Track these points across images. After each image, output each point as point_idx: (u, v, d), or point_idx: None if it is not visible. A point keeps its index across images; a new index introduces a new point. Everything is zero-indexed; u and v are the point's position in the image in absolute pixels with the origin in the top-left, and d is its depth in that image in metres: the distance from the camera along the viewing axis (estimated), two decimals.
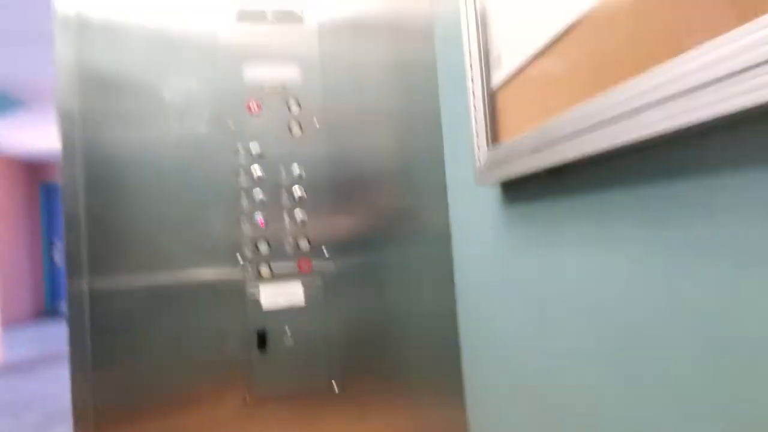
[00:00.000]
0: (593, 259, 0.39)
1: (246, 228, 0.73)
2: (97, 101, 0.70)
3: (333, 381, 0.75)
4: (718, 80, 0.21)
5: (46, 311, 6.05)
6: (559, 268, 0.45)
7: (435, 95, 0.81)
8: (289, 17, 0.76)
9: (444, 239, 0.80)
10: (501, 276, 0.59)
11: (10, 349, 4.05)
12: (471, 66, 0.52)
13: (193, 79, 0.73)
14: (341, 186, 0.77)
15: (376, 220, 0.78)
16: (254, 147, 0.74)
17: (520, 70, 0.44)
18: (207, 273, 0.72)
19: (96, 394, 0.67)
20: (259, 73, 0.75)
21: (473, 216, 0.68)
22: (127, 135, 0.70)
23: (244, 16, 0.75)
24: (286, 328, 0.74)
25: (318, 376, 0.74)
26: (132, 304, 0.69)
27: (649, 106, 0.26)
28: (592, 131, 0.31)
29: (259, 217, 0.74)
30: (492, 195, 0.60)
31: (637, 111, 0.27)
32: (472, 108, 0.53)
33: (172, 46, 0.72)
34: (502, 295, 0.59)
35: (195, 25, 0.73)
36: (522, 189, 0.51)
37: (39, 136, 4.08)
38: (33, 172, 5.91)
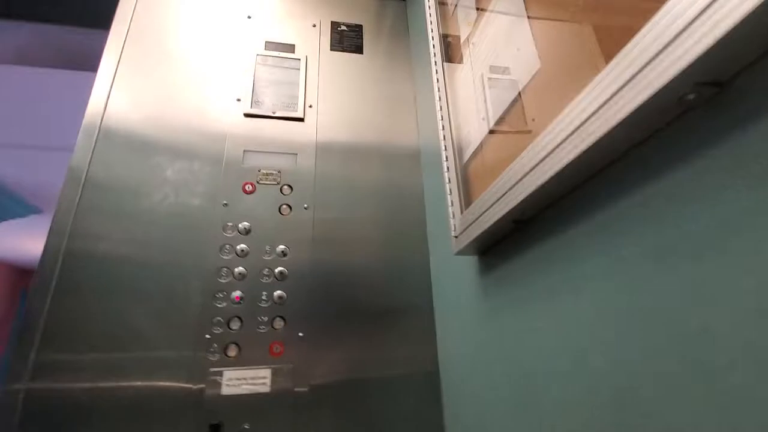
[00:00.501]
0: (564, 307, 0.37)
1: (221, 303, 0.70)
2: (97, 182, 0.74)
3: None
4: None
5: None
6: (533, 330, 0.42)
7: (418, 192, 0.88)
8: (291, 117, 0.87)
9: (427, 331, 0.76)
10: (484, 358, 0.55)
11: None
12: (446, 147, 0.59)
13: (196, 162, 0.79)
14: (324, 269, 0.77)
15: (359, 308, 0.76)
16: (243, 224, 0.76)
17: (485, 141, 0.50)
18: (170, 352, 0.66)
19: None
20: (259, 159, 0.82)
21: (454, 297, 0.67)
22: (122, 208, 0.73)
23: (252, 114, 0.86)
24: (245, 425, 0.64)
25: None
26: (77, 391, 0.62)
27: (560, 145, 0.30)
28: (531, 172, 0.34)
29: (236, 292, 0.71)
30: (468, 268, 0.60)
31: (553, 150, 0.31)
32: (447, 180, 0.57)
33: (182, 136, 0.81)
34: (489, 382, 0.54)
35: (207, 120, 0.83)
36: (495, 253, 0.51)
37: (41, 243, 4.14)
38: (19, 276, 5.79)
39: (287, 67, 0.92)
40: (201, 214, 0.75)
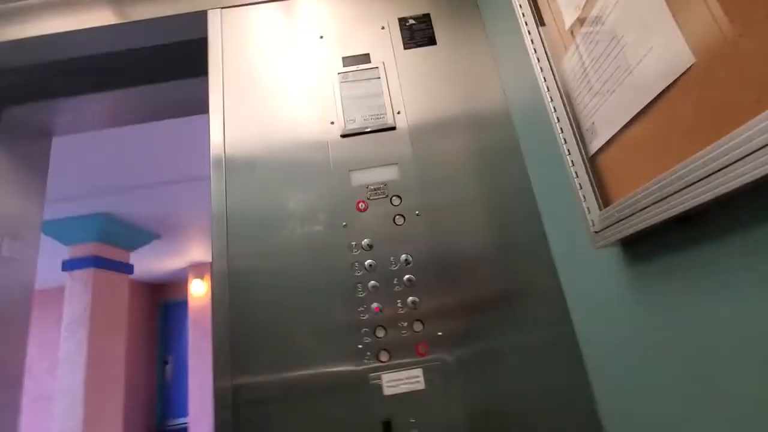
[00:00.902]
0: (753, 304, 0.36)
1: (363, 316, 0.78)
2: (237, 221, 0.85)
3: None
4: None
5: (157, 430, 6.34)
6: (713, 322, 0.41)
7: (521, 173, 0.86)
8: (383, 128, 0.90)
9: (560, 312, 0.77)
10: (638, 343, 0.55)
11: None
12: (566, 140, 0.57)
13: (311, 191, 0.86)
14: (447, 269, 0.81)
15: (486, 298, 0.79)
16: (365, 241, 0.82)
17: (620, 134, 0.48)
18: (332, 364, 0.75)
19: None
20: (364, 177, 0.87)
21: (591, 283, 0.66)
22: (261, 243, 0.83)
23: (347, 134, 0.90)
24: (411, 420, 0.72)
25: None
26: (267, 398, 0.74)
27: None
28: (729, 169, 0.32)
29: (374, 304, 0.78)
30: (609, 258, 0.59)
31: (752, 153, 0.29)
32: (574, 175, 0.56)
33: (294, 168, 0.88)
34: (645, 366, 0.54)
35: (310, 149, 0.89)
36: (644, 246, 0.50)
37: (164, 261, 4.79)
38: (154, 291, 6.79)
39: (368, 78, 0.93)
40: (327, 239, 0.83)
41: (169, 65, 1.16)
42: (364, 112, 0.91)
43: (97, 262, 3.36)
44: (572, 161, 0.56)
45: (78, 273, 3.34)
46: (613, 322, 0.61)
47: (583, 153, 0.55)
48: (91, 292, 3.28)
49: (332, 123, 0.91)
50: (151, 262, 4.72)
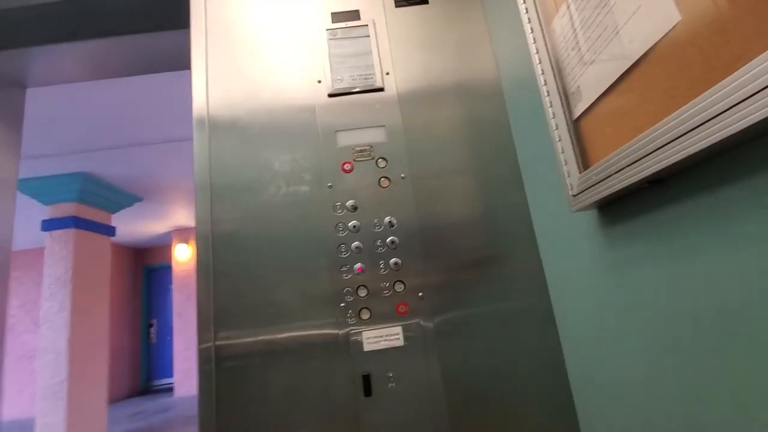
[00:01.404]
0: (720, 264, 0.38)
1: (346, 276, 0.79)
2: (221, 182, 0.84)
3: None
4: None
5: (141, 390, 6.46)
6: (680, 280, 0.43)
7: (507, 141, 0.87)
8: (371, 89, 0.88)
9: (536, 276, 0.80)
10: (608, 302, 0.58)
11: (111, 427, 4.33)
12: (551, 103, 0.57)
13: (297, 152, 0.85)
14: (430, 232, 0.82)
15: (466, 261, 0.81)
16: (350, 202, 0.83)
17: (603, 97, 0.48)
18: (314, 321, 0.77)
19: None
20: (350, 138, 0.86)
21: (568, 247, 0.68)
22: (245, 203, 0.82)
23: (335, 94, 0.88)
24: (389, 374, 0.75)
25: (424, 421, 0.73)
26: (250, 352, 0.76)
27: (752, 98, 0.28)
28: (697, 131, 0.33)
29: (357, 264, 0.80)
30: (585, 221, 0.61)
31: (740, 104, 0.29)
32: (557, 138, 0.57)
33: (279, 128, 0.86)
34: (614, 324, 0.57)
35: (296, 108, 0.88)
36: (618, 208, 0.52)
37: (147, 225, 4.73)
38: (138, 255, 6.73)
39: (357, 37, 0.91)
40: (312, 199, 0.83)
41: (150, 15, 1.11)
42: (352, 71, 0.89)
43: (78, 223, 3.30)
44: (556, 125, 0.57)
45: (58, 233, 3.28)
46: (586, 283, 0.64)
47: (568, 117, 0.55)
48: (73, 253, 3.24)
49: (319, 82, 0.89)
50: (133, 226, 4.65)
